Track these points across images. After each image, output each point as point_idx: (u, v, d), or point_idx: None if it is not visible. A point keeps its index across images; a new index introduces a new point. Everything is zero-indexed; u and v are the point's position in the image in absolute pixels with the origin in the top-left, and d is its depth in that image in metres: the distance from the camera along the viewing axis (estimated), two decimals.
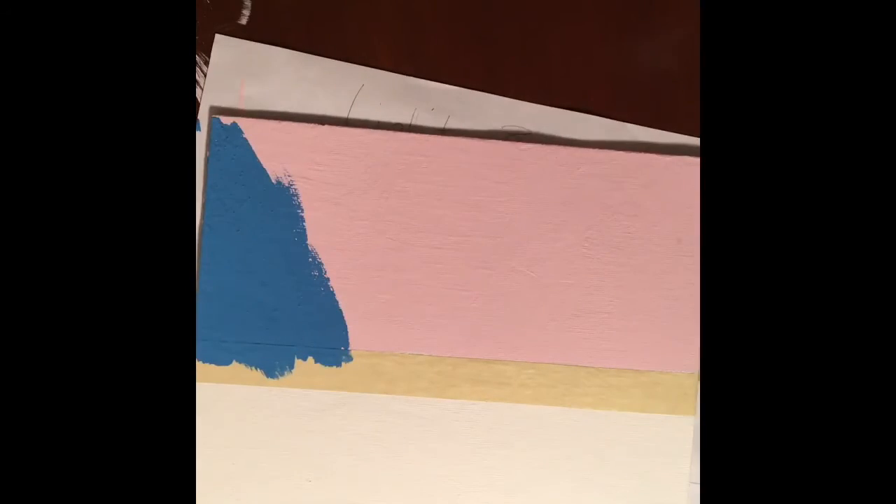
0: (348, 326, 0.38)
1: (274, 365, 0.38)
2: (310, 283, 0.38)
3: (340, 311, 0.38)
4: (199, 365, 0.38)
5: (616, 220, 0.39)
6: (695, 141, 0.39)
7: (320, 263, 0.38)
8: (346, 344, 0.38)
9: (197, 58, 0.38)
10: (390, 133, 0.38)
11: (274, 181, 0.38)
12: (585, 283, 0.39)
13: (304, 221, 0.38)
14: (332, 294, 0.38)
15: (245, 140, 0.38)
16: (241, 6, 0.39)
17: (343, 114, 0.39)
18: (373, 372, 0.38)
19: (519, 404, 0.39)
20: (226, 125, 0.38)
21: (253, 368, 0.38)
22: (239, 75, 0.38)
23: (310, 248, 0.38)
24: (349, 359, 0.38)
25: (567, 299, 0.39)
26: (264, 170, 0.38)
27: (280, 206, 0.38)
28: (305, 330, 0.38)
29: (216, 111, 0.38)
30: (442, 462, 0.39)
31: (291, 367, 0.38)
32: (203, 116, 0.38)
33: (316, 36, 0.39)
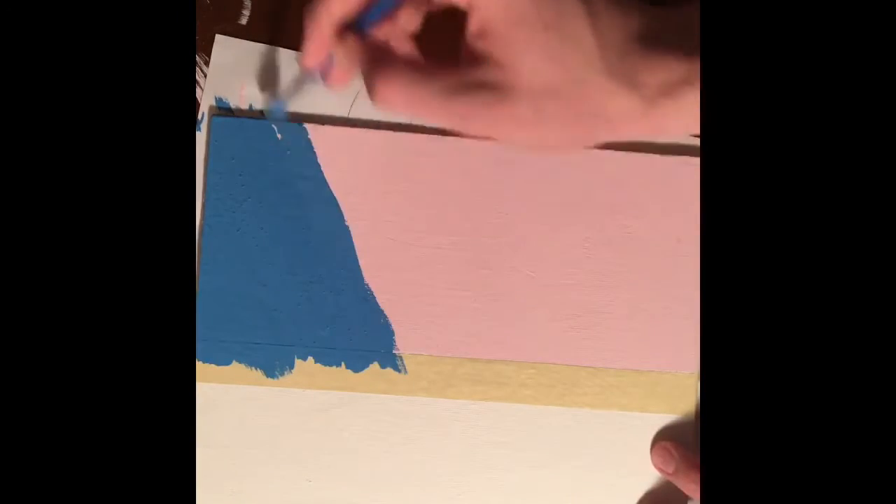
0: (349, 326, 0.38)
1: (274, 365, 0.38)
2: (310, 283, 0.38)
3: (340, 311, 0.38)
4: (199, 365, 0.38)
5: (616, 220, 0.39)
6: (695, 141, 0.39)
7: (321, 263, 0.38)
8: (347, 344, 0.38)
9: (197, 58, 0.38)
10: (390, 133, 0.38)
11: (274, 181, 0.38)
12: (585, 283, 0.39)
13: (304, 221, 0.38)
14: (333, 294, 0.38)
15: (246, 140, 0.38)
16: (241, 6, 0.39)
17: (343, 114, 0.39)
18: (373, 372, 0.38)
19: (519, 404, 0.39)
20: (226, 125, 0.38)
21: (253, 368, 0.38)
22: (239, 75, 0.38)
23: (310, 247, 0.38)
24: (349, 358, 0.38)
25: (567, 299, 0.39)
26: (264, 170, 0.38)
27: (280, 206, 0.38)
28: (306, 330, 0.38)
29: (216, 111, 0.38)
30: (442, 462, 0.39)
31: (291, 367, 0.38)
32: (203, 116, 0.38)
33: None
